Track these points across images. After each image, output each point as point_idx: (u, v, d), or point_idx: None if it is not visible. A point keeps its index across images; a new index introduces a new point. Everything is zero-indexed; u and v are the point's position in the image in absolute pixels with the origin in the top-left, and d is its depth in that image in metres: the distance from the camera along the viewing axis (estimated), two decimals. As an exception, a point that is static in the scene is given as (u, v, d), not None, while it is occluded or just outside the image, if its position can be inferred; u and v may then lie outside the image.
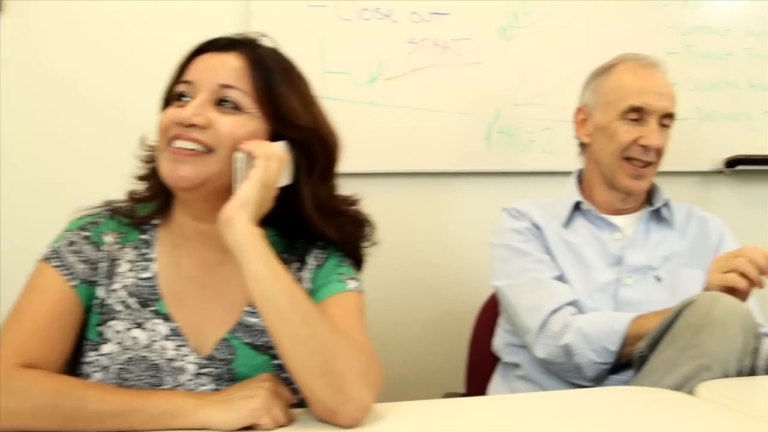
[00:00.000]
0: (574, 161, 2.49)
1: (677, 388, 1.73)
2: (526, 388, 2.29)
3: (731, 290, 1.92)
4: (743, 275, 1.91)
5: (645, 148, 2.31)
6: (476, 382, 2.53)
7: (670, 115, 2.35)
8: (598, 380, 2.12)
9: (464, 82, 2.93)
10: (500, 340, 2.43)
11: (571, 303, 2.22)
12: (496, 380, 2.42)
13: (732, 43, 3.23)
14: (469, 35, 2.93)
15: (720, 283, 1.92)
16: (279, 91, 1.61)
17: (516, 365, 2.34)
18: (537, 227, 2.36)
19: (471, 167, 2.96)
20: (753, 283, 1.92)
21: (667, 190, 2.98)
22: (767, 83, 3.28)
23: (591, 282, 2.29)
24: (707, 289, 1.95)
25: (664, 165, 3.04)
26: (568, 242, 2.34)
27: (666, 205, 2.43)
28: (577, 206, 2.41)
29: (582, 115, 2.43)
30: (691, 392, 1.70)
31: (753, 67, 3.26)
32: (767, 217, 3.29)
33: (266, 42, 1.71)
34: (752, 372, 1.83)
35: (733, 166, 3.20)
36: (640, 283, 2.30)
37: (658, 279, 2.31)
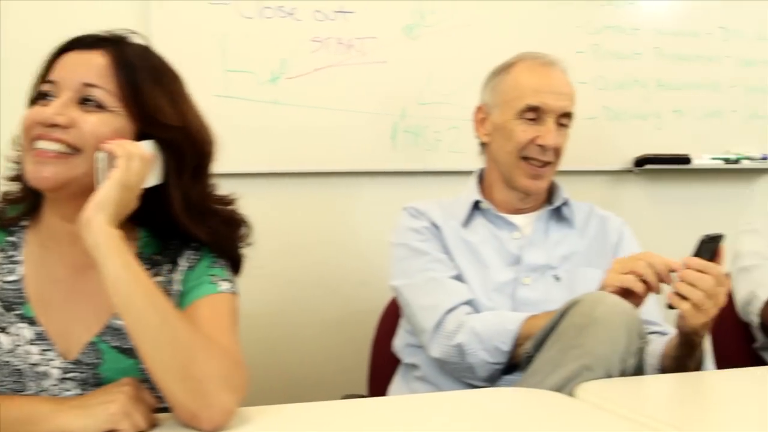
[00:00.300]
0: (480, 160, 2.46)
1: (559, 388, 1.72)
2: (425, 389, 2.26)
3: (627, 293, 1.90)
4: (641, 279, 1.90)
5: (542, 147, 2.30)
6: (378, 384, 2.50)
7: (567, 115, 2.33)
8: (492, 380, 2.10)
9: (369, 81, 2.90)
10: (400, 341, 2.41)
11: (467, 302, 2.20)
12: (397, 381, 2.40)
13: (641, 42, 3.24)
14: (374, 34, 2.90)
15: (616, 283, 1.91)
16: (144, 90, 1.57)
17: (415, 366, 2.32)
18: (435, 226, 2.34)
19: (377, 167, 2.94)
20: (650, 288, 1.91)
21: (577, 190, 2.97)
22: (676, 83, 3.29)
23: (489, 281, 2.27)
24: (603, 288, 1.93)
25: (574, 164, 3.05)
26: (467, 241, 2.32)
27: (566, 203, 2.41)
28: (476, 205, 2.38)
29: (481, 114, 2.42)
30: (571, 393, 1.68)
31: (662, 67, 3.27)
32: (676, 216, 3.31)
33: (136, 39, 1.66)
34: (637, 372, 1.82)
35: (641, 166, 3.21)
36: (538, 283, 2.28)
37: (557, 278, 2.29)
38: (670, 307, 1.85)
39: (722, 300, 1.85)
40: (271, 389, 2.77)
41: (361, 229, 2.93)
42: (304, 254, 2.88)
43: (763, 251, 2.47)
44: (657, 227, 3.27)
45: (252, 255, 2.77)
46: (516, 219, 2.38)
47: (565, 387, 1.71)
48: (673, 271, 1.87)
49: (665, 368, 2.03)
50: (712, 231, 1.86)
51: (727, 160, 3.32)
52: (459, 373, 2.15)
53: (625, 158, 3.23)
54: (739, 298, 2.48)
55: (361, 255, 2.91)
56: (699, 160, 3.28)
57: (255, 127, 2.78)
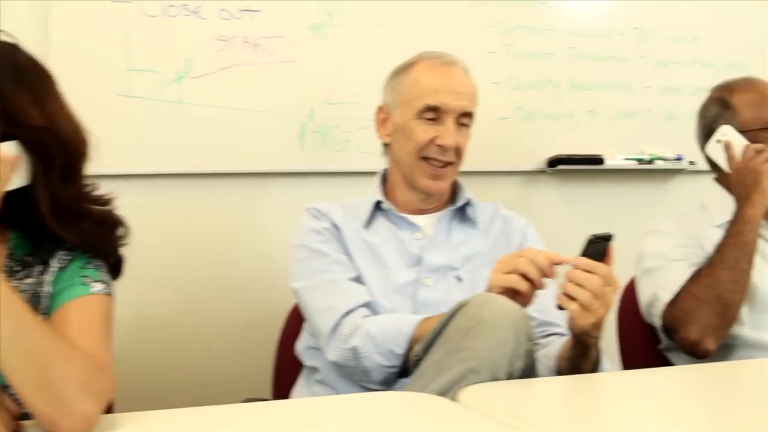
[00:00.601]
0: (385, 161, 2.45)
1: (444, 391, 1.69)
2: (325, 392, 2.23)
3: (515, 292, 1.88)
4: (525, 277, 1.88)
5: (442, 147, 2.28)
6: (282, 388, 2.46)
7: (468, 114, 2.32)
8: (388, 384, 2.07)
9: (277, 81, 2.86)
10: (302, 344, 2.37)
11: (365, 305, 2.17)
12: (299, 385, 2.37)
13: (554, 42, 3.24)
14: (282, 33, 2.87)
15: (500, 283, 1.88)
16: (4, 90, 1.52)
17: (315, 369, 2.28)
18: (336, 227, 2.31)
19: (284, 167, 2.90)
20: (535, 285, 1.89)
21: (490, 191, 2.97)
22: (589, 83, 3.29)
23: (389, 283, 2.25)
24: (489, 289, 1.91)
25: (486, 165, 3.05)
26: (368, 242, 2.30)
27: (469, 204, 2.39)
28: (378, 206, 2.36)
29: (383, 115, 2.39)
30: (455, 397, 1.65)
31: (575, 67, 3.27)
32: (590, 216, 3.30)
33: (2, 37, 1.61)
34: (527, 374, 1.80)
35: (554, 166, 3.20)
36: (440, 284, 2.26)
37: (459, 279, 2.27)
38: (560, 307, 1.83)
39: (611, 300, 1.83)
40: (174, 393, 2.75)
41: (269, 231, 2.89)
42: (211, 256, 2.84)
43: (667, 253, 2.46)
44: (570, 228, 3.24)
45: (158, 256, 2.76)
46: (418, 219, 2.35)
47: (450, 390, 1.68)
48: (557, 263, 1.85)
49: (561, 370, 2.02)
50: (599, 231, 1.85)
51: (640, 161, 3.32)
52: (355, 376, 2.12)
53: (538, 159, 3.22)
54: (643, 300, 2.47)
55: (269, 257, 2.87)
56: (612, 161, 3.28)
57: (159, 128, 2.74)
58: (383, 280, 2.25)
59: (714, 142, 2.53)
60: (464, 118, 2.31)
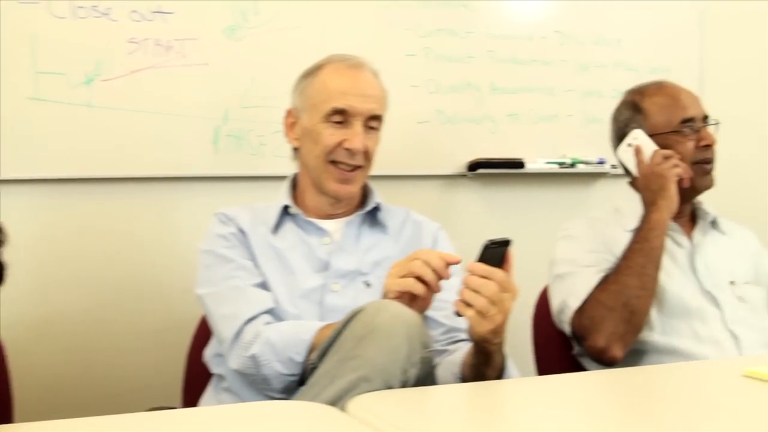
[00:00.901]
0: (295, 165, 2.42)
1: (336, 401, 1.66)
2: (231, 400, 2.19)
3: (412, 296, 1.86)
4: (420, 280, 1.85)
5: (350, 151, 2.25)
6: (192, 396, 2.42)
7: (376, 117, 2.29)
8: (289, 392, 2.03)
9: (190, 84, 2.82)
10: (210, 351, 2.34)
11: (269, 311, 2.14)
12: (208, 393, 2.33)
13: (474, 45, 3.22)
14: (195, 35, 2.82)
15: (396, 287, 1.86)
16: None
17: (222, 377, 2.25)
18: (243, 232, 2.28)
19: (198, 172, 2.86)
20: (431, 288, 1.86)
21: (409, 195, 2.96)
22: (511, 86, 3.28)
23: (295, 288, 2.22)
24: (384, 294, 1.89)
25: (406, 169, 3.03)
26: (275, 248, 2.27)
27: (379, 208, 2.36)
28: (286, 211, 2.32)
29: (291, 119, 2.37)
30: (344, 407, 1.62)
31: (495, 70, 3.25)
32: (511, 221, 3.29)
33: None
34: (424, 382, 1.77)
35: (475, 170, 3.17)
36: (348, 289, 2.24)
37: (368, 284, 2.25)
38: (458, 314, 1.81)
39: (508, 306, 1.81)
40: (81, 401, 2.70)
41: (182, 236, 2.84)
42: (123, 262, 2.79)
43: (577, 258, 2.45)
44: (492, 232, 3.22)
45: (69, 262, 2.71)
46: (326, 224, 2.33)
47: (341, 399, 1.66)
48: (452, 264, 1.83)
49: (465, 377, 2.00)
50: (497, 236, 1.83)
51: (562, 164, 3.31)
52: (257, 384, 2.09)
53: (458, 163, 3.19)
54: (554, 307, 2.46)
55: (182, 262, 2.82)
56: (533, 165, 3.26)
57: (69, 132, 2.68)
58: (289, 286, 2.22)
59: (625, 146, 2.53)
60: (372, 121, 2.28)
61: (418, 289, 1.85)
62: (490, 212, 3.28)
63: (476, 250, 3.00)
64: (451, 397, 1.78)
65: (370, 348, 1.71)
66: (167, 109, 2.80)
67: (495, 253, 1.80)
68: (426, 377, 1.80)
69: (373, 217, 2.38)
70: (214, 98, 2.86)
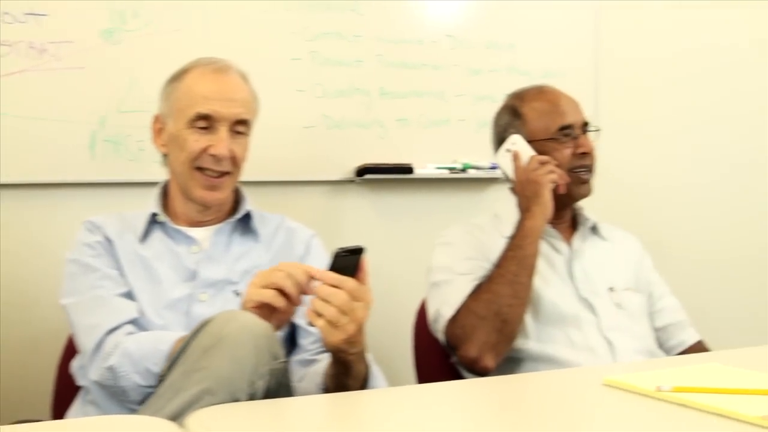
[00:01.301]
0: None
1: (178, 414, 1.61)
2: (96, 413, 2.12)
3: (273, 309, 1.82)
4: (282, 292, 1.81)
5: (215, 157, 2.20)
6: (61, 408, 2.36)
7: (243, 122, 2.24)
8: (149, 404, 1.97)
9: (65, 88, 2.75)
10: (77, 363, 2.27)
11: (131, 321, 2.08)
12: (75, 405, 2.26)
13: (362, 49, 3.18)
14: (70, 38, 2.76)
15: (256, 298, 1.82)
16: None
17: (87, 389, 2.18)
18: (109, 241, 2.22)
19: (73, 178, 2.79)
20: (292, 301, 1.82)
21: (296, 201, 2.92)
22: (400, 91, 3.25)
23: (161, 299, 2.16)
24: (243, 305, 1.84)
25: (292, 175, 2.99)
26: (142, 257, 2.21)
27: (251, 215, 2.32)
28: (154, 218, 2.27)
29: (158, 124, 2.31)
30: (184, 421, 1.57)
31: (384, 75, 3.21)
32: (402, 227, 3.26)
33: None
34: (275, 394, 1.73)
35: (363, 175, 3.13)
36: (216, 299, 2.18)
37: (237, 294, 2.19)
38: (310, 324, 1.77)
39: (361, 316, 1.77)
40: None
41: (57, 245, 2.74)
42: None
43: (453, 266, 2.42)
44: (382, 238, 3.23)
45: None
46: (195, 232, 2.27)
47: (184, 413, 1.60)
48: (316, 278, 1.80)
49: (327, 387, 1.98)
50: (350, 245, 1.79)
51: (453, 170, 3.28)
52: (118, 396, 2.03)
53: (346, 168, 3.15)
54: (430, 315, 2.43)
55: (57, 272, 2.73)
56: (423, 170, 3.23)
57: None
58: (155, 296, 2.16)
59: (504, 151, 2.50)
60: (239, 126, 2.23)
61: (278, 302, 1.80)
62: (380, 218, 3.24)
63: (368, 255, 2.98)
64: (303, 409, 1.73)
65: (215, 359, 1.66)
66: (41, 114, 2.73)
67: (347, 262, 1.76)
68: (278, 389, 1.75)
69: (245, 224, 2.33)
70: (90, 102, 2.79)
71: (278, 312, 1.82)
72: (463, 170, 3.29)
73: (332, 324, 1.74)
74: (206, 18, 2.92)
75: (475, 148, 3.35)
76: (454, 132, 3.33)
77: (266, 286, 1.82)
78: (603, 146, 3.55)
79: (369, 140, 3.18)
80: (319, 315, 1.75)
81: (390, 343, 2.92)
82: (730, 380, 1.76)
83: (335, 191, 3.17)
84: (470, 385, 2.04)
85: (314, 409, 1.73)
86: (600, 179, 3.51)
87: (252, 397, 1.67)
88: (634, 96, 3.76)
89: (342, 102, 3.14)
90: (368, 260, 3.06)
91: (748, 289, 3.97)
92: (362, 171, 3.13)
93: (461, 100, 3.35)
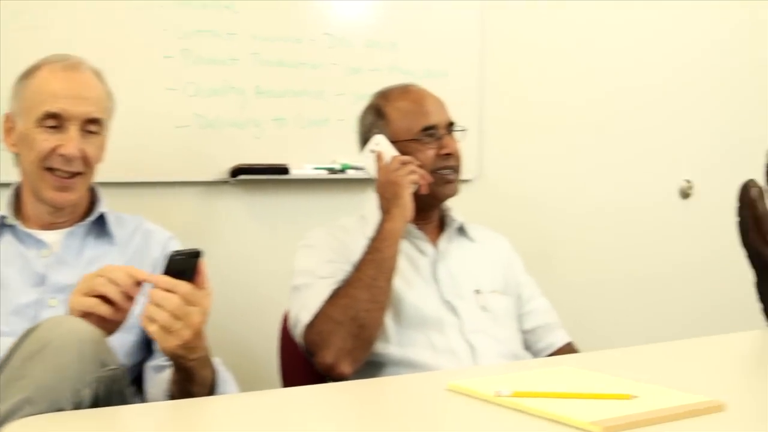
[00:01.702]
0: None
1: (-2, 426, 1.54)
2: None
3: (101, 316, 1.76)
4: (105, 299, 1.75)
5: (65, 157, 2.14)
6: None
7: (95, 121, 2.18)
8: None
9: None
10: None
11: None
12: None
13: (237, 47, 3.11)
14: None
15: (77, 307, 1.75)
16: None
17: None
18: None
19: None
20: (119, 308, 1.76)
21: (167, 203, 2.85)
22: (277, 90, 3.19)
23: (7, 304, 2.10)
24: (70, 312, 1.78)
25: (163, 176, 2.92)
26: (-12, 261, 2.14)
27: (105, 217, 2.25)
28: (3, 222, 2.20)
29: (9, 123, 2.25)
30: (3, 433, 1.51)
31: (260, 73, 3.16)
32: (278, 228, 3.21)
33: None
34: (108, 403, 1.66)
35: (237, 176, 3.07)
36: (66, 304, 2.11)
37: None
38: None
39: (196, 321, 1.72)
40: None
41: None
42: None
43: (315, 269, 2.37)
44: (257, 240, 3.18)
45: None
46: (46, 235, 2.21)
47: (3, 423, 1.54)
48: (141, 282, 1.74)
49: (173, 394, 1.92)
50: (186, 247, 1.74)
51: (331, 170, 3.23)
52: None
53: (219, 168, 3.08)
54: (290, 320, 2.38)
55: None
56: (300, 170, 3.17)
57: None
58: (1, 302, 2.09)
59: (367, 151, 2.47)
60: (91, 125, 2.18)
61: (101, 309, 1.74)
62: (255, 220, 3.18)
63: (239, 259, 2.93)
64: (132, 418, 1.67)
65: (37, 367, 1.60)
66: None
67: (182, 265, 1.71)
68: (110, 397, 1.68)
69: (100, 226, 2.27)
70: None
71: (107, 320, 1.76)
72: (342, 171, 3.24)
73: (165, 329, 1.70)
74: (72, 14, 2.82)
75: (354, 149, 3.29)
76: (333, 132, 3.28)
77: (87, 294, 1.75)
78: (487, 148, 3.57)
79: (244, 140, 3.12)
80: (153, 320, 1.69)
81: (261, 347, 2.88)
82: (574, 384, 1.75)
83: (209, 192, 3.10)
84: (325, 389, 1.99)
85: (144, 418, 1.67)
86: (483, 181, 3.53)
87: (77, 407, 1.61)
88: (519, 97, 3.75)
89: (216, 101, 3.07)
90: (243, 263, 3.03)
91: (635, 292, 4.00)
92: (236, 171, 3.07)
93: (341, 100, 3.30)
